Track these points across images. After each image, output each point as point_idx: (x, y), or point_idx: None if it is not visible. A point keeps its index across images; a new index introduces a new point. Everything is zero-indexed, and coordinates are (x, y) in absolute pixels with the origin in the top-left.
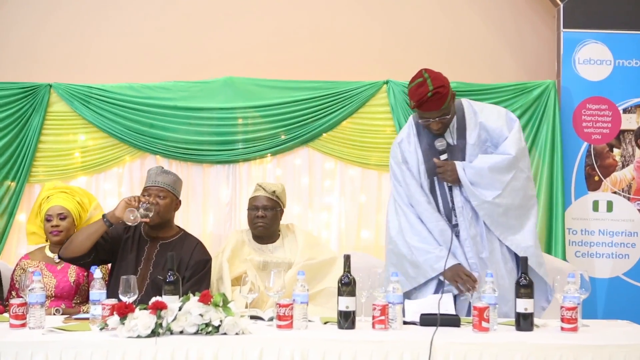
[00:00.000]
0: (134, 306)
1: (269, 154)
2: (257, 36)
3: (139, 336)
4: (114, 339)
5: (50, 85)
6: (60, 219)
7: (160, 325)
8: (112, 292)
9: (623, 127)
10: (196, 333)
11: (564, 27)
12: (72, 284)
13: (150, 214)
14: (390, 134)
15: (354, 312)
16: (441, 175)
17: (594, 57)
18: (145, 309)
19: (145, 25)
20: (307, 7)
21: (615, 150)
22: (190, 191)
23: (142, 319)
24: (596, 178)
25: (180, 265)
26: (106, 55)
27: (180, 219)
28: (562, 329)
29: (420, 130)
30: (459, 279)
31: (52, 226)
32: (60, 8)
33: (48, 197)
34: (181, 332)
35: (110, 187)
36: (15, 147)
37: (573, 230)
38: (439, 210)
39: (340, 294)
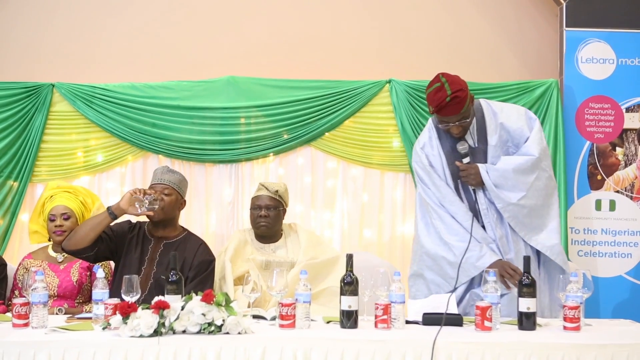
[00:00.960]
0: (137, 306)
1: (272, 154)
2: (259, 36)
3: (141, 336)
4: (116, 338)
5: (53, 85)
6: (64, 219)
7: (163, 324)
8: (116, 291)
9: (626, 126)
10: (199, 332)
11: (566, 26)
12: (74, 283)
13: (156, 207)
14: (392, 133)
15: (356, 311)
16: (464, 178)
17: (596, 56)
18: (147, 308)
19: (148, 25)
20: (310, 6)
21: (618, 149)
22: (192, 191)
23: (145, 318)
24: (599, 177)
25: (184, 265)
26: (109, 55)
27: (183, 219)
28: (565, 328)
29: (441, 133)
30: (505, 273)
31: (55, 226)
32: (63, 8)
33: (51, 196)
34: (184, 332)
35: (112, 187)
36: (17, 147)
37: (576, 230)
38: None
39: (342, 293)
